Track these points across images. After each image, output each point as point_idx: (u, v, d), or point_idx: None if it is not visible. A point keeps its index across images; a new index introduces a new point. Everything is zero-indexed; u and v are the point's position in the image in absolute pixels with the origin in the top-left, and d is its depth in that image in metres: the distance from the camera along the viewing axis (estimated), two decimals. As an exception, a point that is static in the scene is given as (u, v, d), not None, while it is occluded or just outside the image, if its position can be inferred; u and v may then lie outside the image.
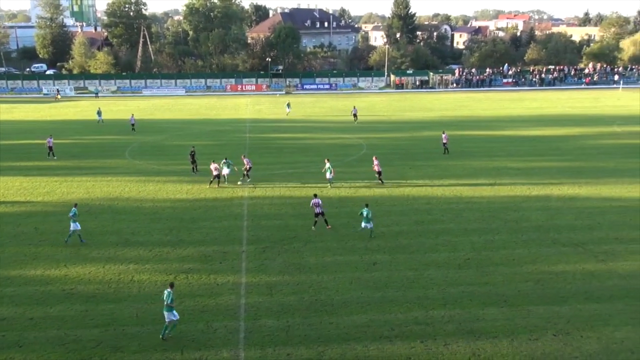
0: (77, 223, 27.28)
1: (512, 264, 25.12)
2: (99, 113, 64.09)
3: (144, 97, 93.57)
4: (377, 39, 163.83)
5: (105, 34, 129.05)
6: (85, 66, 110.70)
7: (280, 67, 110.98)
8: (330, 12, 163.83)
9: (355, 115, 63.78)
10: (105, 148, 50.03)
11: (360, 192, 36.07)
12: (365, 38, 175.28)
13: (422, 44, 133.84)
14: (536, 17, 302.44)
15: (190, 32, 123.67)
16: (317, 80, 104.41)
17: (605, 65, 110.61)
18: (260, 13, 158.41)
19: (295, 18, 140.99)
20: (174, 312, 19.44)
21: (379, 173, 37.72)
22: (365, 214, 27.01)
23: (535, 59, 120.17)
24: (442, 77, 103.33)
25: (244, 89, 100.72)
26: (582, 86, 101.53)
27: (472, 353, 18.68)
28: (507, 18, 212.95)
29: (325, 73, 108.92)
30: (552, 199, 34.45)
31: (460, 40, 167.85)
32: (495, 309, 21.23)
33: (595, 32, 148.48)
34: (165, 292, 19.56)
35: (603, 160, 44.32)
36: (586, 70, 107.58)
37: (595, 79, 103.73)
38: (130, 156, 46.57)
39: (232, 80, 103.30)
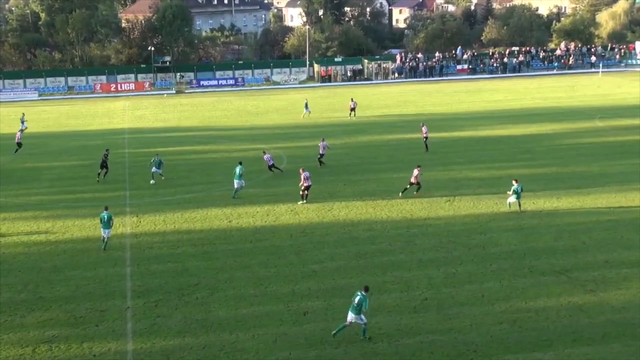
0: None
1: (481, 302, 25.76)
2: None
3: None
4: (295, 18, 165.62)
5: None
6: None
7: (168, 59, 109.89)
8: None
9: (353, 109, 67.03)
10: None
11: (283, 219, 36.10)
12: (279, 17, 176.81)
13: (352, 23, 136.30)
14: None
15: (42, 15, 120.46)
16: (218, 74, 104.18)
17: (580, 45, 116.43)
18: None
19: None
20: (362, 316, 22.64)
21: (307, 188, 38.51)
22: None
23: (494, 39, 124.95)
24: (380, 65, 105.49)
25: (119, 88, 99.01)
26: (554, 71, 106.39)
27: (438, 422, 18.95)
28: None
29: (229, 65, 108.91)
30: (526, 215, 35.70)
31: (400, 18, 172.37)
32: (464, 361, 21.68)
33: (566, 3, 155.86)
34: (358, 295, 22.69)
35: (584, 164, 46.46)
36: (557, 52, 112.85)
37: (569, 62, 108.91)
38: (-36, 186, 44.62)
39: (103, 78, 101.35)
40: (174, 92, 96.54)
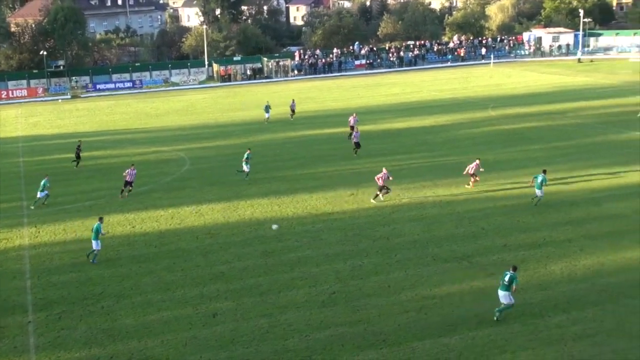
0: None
1: (387, 292, 26.22)
2: None
3: None
4: (191, 17, 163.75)
5: None
6: None
7: (62, 63, 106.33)
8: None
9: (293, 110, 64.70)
10: None
11: (188, 221, 35.66)
12: (175, 18, 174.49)
13: (250, 21, 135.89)
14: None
15: None
16: (115, 77, 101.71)
17: (471, 37, 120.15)
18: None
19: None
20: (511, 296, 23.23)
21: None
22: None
23: (390, 33, 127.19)
24: (279, 62, 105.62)
25: (10, 95, 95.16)
26: (449, 64, 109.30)
27: (350, 413, 19.17)
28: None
29: (125, 67, 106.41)
30: (427, 205, 36.59)
31: (298, 15, 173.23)
32: (374, 351, 22.00)
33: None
34: (508, 274, 23.38)
35: (480, 153, 47.81)
36: (451, 44, 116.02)
37: (462, 54, 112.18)
38: None
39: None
40: (69, 97, 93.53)
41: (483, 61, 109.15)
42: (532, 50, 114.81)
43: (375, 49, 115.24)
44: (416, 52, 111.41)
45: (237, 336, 23.31)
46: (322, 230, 33.36)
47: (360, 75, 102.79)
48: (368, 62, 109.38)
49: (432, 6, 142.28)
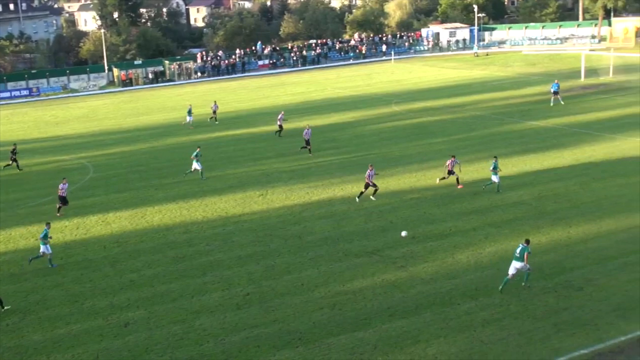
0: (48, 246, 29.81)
1: (301, 290, 26.31)
2: None
3: None
4: (89, 21, 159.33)
5: None
6: None
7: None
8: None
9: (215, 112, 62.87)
10: None
11: (94, 231, 34.73)
12: (72, 22, 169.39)
13: (149, 24, 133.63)
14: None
15: None
16: (10, 85, 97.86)
17: (372, 35, 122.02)
18: None
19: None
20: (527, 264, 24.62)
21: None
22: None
23: (292, 33, 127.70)
24: (181, 65, 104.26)
25: None
26: (351, 61, 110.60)
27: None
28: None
29: (21, 75, 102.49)
30: (336, 202, 36.91)
31: (198, 17, 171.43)
32: (290, 350, 22.03)
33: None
34: (520, 246, 24.72)
35: (386, 147, 48.82)
36: (352, 42, 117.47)
37: (364, 52, 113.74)
38: None
39: None
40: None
41: (384, 58, 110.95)
42: (430, 45, 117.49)
43: (277, 48, 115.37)
44: (318, 50, 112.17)
45: (150, 345, 22.88)
46: (233, 233, 33.16)
47: (264, 75, 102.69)
48: (271, 62, 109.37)
49: (332, 5, 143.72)
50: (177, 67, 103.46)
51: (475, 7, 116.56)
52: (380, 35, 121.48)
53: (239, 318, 24.38)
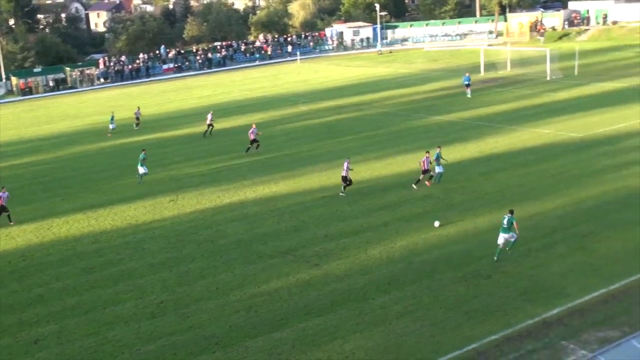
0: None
1: (216, 295, 26.08)
2: None
3: None
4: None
5: None
6: None
7: None
8: None
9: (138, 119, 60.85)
10: None
11: (-3, 246, 33.46)
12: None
13: (48, 30, 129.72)
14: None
15: None
16: None
17: (276, 35, 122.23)
18: None
19: None
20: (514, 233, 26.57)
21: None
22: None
23: (197, 35, 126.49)
24: (83, 71, 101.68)
25: None
26: (257, 63, 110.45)
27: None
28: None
29: None
30: (248, 203, 36.79)
31: (99, 22, 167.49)
32: (207, 355, 21.81)
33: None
34: (506, 217, 26.48)
35: (296, 147, 48.97)
36: (257, 43, 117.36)
37: (269, 53, 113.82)
38: None
39: None
40: None
41: (290, 58, 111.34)
42: (335, 45, 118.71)
43: (182, 52, 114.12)
44: (224, 52, 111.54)
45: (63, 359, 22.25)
46: (144, 240, 32.55)
47: (170, 79, 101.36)
48: (176, 65, 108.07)
49: (235, 6, 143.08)
50: (78, 73, 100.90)
51: (377, 6, 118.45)
52: (285, 36, 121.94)
53: (154, 327, 23.96)
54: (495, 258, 26.60)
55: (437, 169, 37.11)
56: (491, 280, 25.31)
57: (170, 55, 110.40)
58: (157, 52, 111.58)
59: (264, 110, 65.63)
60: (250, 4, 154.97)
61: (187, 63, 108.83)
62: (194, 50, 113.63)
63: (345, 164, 36.65)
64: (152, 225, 34.74)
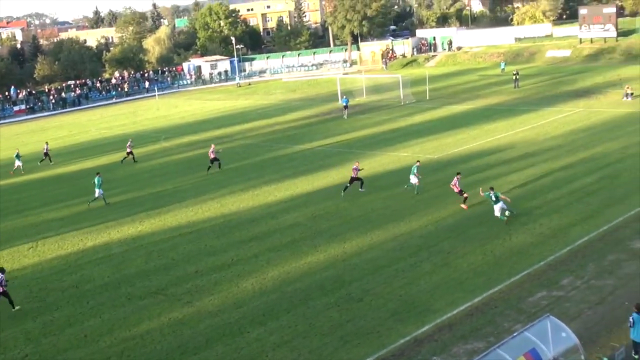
0: None
1: (85, 342, 24.92)
2: None
3: None
4: None
5: None
6: None
7: None
8: None
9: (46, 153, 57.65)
10: None
11: None
12: None
13: None
14: (37, 22, 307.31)
15: None
16: None
17: (133, 72, 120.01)
18: None
19: None
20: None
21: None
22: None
23: (48, 75, 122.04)
24: None
25: None
26: (114, 100, 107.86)
27: None
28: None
29: None
30: (114, 245, 35.56)
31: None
32: (79, 408, 20.78)
33: (112, 33, 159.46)
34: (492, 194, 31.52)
35: (160, 184, 47.95)
36: (113, 80, 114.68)
37: (126, 90, 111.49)
38: None
39: None
40: None
41: (148, 94, 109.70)
42: (193, 79, 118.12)
43: (34, 92, 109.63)
44: (78, 91, 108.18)
45: None
46: None
47: (22, 121, 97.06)
48: (28, 106, 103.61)
49: (88, 44, 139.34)
50: None
51: (233, 39, 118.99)
52: (141, 72, 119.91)
53: (18, 383, 22.59)
54: (505, 220, 31.63)
55: (413, 180, 38.96)
56: (363, 304, 25.70)
57: (20, 96, 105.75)
58: (7, 93, 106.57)
59: (124, 148, 63.85)
60: (102, 40, 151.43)
61: (39, 104, 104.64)
62: (47, 90, 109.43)
63: (355, 167, 39.98)
64: (11, 275, 32.70)
